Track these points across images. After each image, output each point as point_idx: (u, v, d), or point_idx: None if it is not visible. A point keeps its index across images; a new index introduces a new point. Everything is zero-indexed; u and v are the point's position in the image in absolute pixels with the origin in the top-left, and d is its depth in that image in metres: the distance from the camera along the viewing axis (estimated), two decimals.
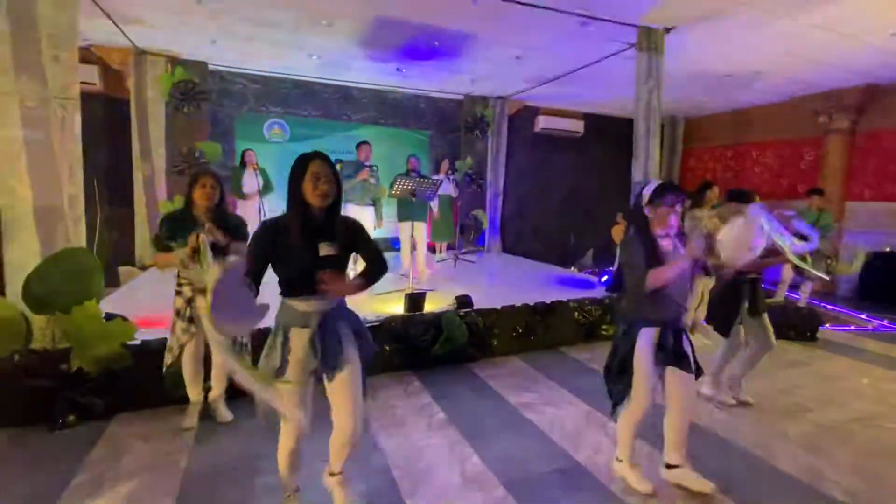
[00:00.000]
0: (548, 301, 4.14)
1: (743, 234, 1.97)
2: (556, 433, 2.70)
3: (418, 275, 5.45)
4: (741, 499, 2.14)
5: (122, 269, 5.85)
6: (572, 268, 7.07)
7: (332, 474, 1.89)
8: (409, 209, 5.29)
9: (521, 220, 8.65)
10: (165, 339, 2.90)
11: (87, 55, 5.56)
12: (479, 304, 3.97)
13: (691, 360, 2.14)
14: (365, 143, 5.17)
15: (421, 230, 5.66)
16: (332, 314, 1.73)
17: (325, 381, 1.76)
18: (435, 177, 6.29)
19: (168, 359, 2.59)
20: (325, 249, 1.65)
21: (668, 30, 4.46)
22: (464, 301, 3.96)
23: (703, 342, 4.28)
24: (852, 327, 5.12)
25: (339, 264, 1.72)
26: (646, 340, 2.08)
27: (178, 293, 2.55)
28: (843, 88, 6.32)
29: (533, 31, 4.68)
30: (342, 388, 1.74)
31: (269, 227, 1.67)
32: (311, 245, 1.64)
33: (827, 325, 4.98)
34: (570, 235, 9.05)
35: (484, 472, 2.30)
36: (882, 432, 2.80)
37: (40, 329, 2.73)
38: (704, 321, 3.33)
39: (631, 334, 2.12)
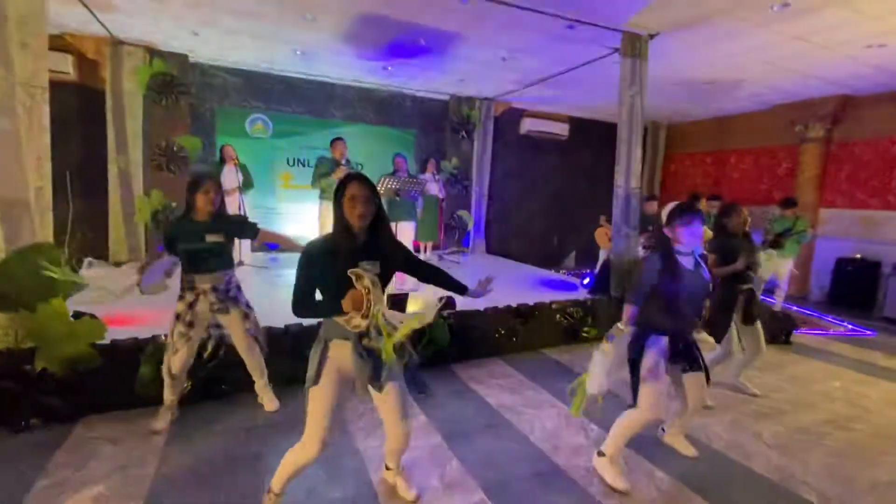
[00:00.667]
0: (530, 303, 4.14)
1: None
2: (535, 435, 2.70)
3: (405, 276, 5.41)
4: (715, 499, 2.17)
5: (90, 261, 5.67)
6: (555, 270, 7.11)
7: (388, 468, 2.15)
8: (394, 209, 5.25)
9: (505, 221, 8.66)
10: (136, 338, 2.83)
11: (61, 43, 5.35)
12: (463, 305, 3.94)
13: (702, 361, 2.30)
14: (339, 139, 5.06)
15: (407, 230, 5.62)
16: (371, 329, 1.71)
17: (373, 393, 1.81)
18: (421, 176, 6.24)
19: (166, 361, 2.57)
20: (365, 267, 1.66)
21: (652, 36, 4.51)
22: (447, 303, 3.93)
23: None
24: (825, 331, 5.26)
25: (382, 281, 1.72)
26: (657, 349, 2.19)
27: (182, 297, 2.53)
28: (819, 98, 6.50)
29: (519, 33, 4.68)
30: (389, 400, 1.82)
31: (314, 251, 1.72)
32: (352, 263, 1.64)
33: (801, 329, 5.11)
34: (553, 237, 9.11)
35: (463, 476, 2.28)
36: (853, 434, 2.88)
37: (3, 328, 2.61)
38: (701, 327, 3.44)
39: (640, 340, 2.22)
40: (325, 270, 1.68)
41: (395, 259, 1.81)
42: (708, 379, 2.36)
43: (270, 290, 4.45)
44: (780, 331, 4.67)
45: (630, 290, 2.22)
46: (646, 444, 2.63)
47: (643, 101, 4.63)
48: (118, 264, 5.46)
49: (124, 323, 3.07)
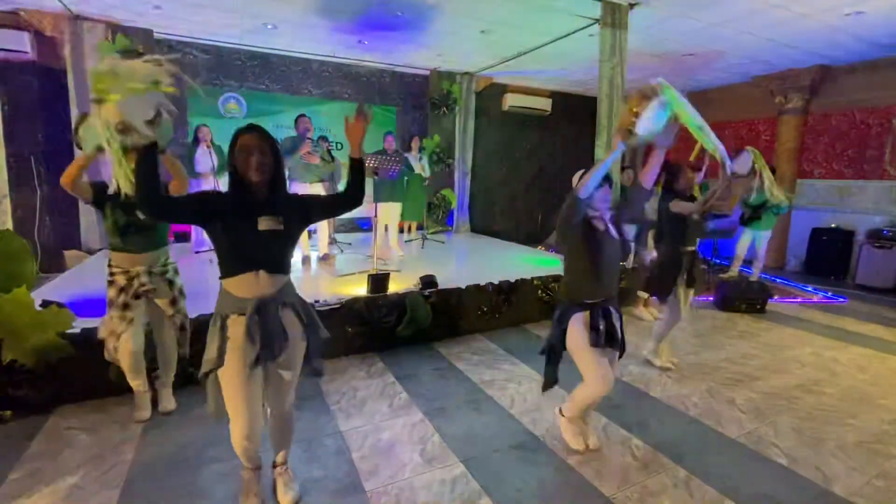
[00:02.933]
0: (512, 279, 4.15)
1: (653, 118, 1.90)
2: (516, 409, 2.74)
3: (392, 255, 5.38)
4: (690, 465, 2.23)
5: (68, 254, 5.51)
6: (539, 247, 7.13)
7: (276, 465, 1.95)
8: (379, 189, 5.16)
9: (489, 199, 8.62)
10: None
11: (16, 20, 5.06)
12: (445, 283, 3.94)
13: (619, 338, 2.22)
14: (302, 115, 4.90)
15: (393, 211, 5.54)
16: (273, 300, 1.64)
17: (267, 367, 1.70)
18: (405, 155, 6.13)
19: (106, 353, 2.42)
20: (265, 223, 1.58)
21: (632, 5, 4.43)
22: (429, 281, 3.92)
23: (647, 318, 4.44)
24: (799, 300, 5.40)
25: (284, 239, 1.65)
26: (578, 324, 2.14)
27: (111, 283, 2.37)
28: (798, 69, 6.51)
29: (498, 4, 4.55)
30: (278, 377, 1.73)
31: (212, 194, 1.65)
32: (251, 218, 1.57)
33: (776, 298, 5.24)
34: (538, 215, 9.11)
35: (444, 451, 2.31)
36: (822, 398, 2.98)
37: None
38: (643, 290, 3.47)
39: (564, 318, 2.19)
40: (219, 224, 1.56)
41: (305, 211, 1.71)
42: (621, 355, 2.28)
43: None
44: (755, 300, 4.77)
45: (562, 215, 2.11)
46: (621, 413, 2.69)
47: (623, 73, 4.58)
48: (90, 252, 5.32)
49: (95, 311, 3.00)
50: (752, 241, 5.81)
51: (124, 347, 2.37)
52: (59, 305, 2.66)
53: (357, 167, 1.73)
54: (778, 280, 6.19)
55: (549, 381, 2.30)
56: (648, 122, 1.88)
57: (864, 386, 3.16)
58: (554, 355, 2.26)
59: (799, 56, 5.98)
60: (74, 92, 5.17)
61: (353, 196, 1.74)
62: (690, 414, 2.73)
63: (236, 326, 1.61)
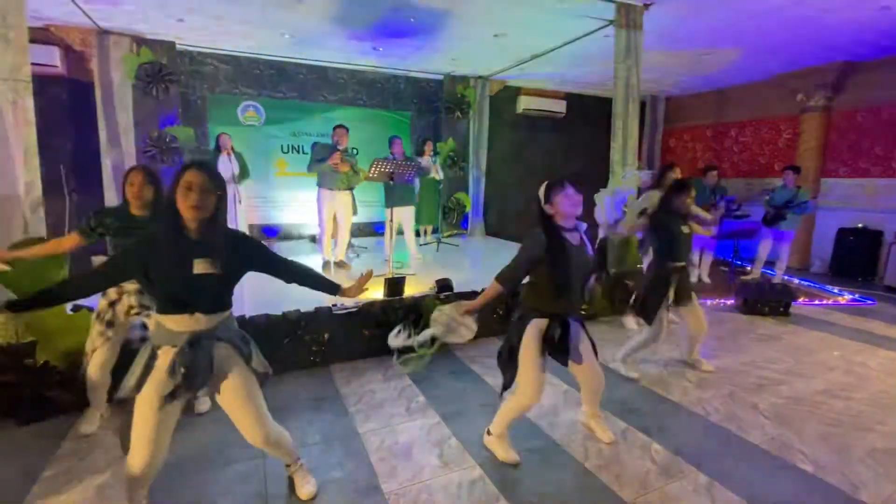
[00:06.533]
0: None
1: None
2: (532, 412, 2.72)
3: (411, 260, 5.41)
4: (711, 470, 2.19)
5: (96, 259, 5.69)
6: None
7: (287, 465, 2.00)
8: (392, 193, 5.20)
9: (504, 202, 8.61)
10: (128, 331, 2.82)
11: (47, 35, 5.28)
12: (460, 287, 3.95)
13: (577, 351, 2.17)
14: (341, 126, 5.01)
15: (406, 215, 5.58)
16: (207, 335, 1.61)
17: (216, 398, 1.70)
18: (419, 159, 6.18)
19: (84, 362, 2.37)
20: (200, 266, 1.53)
21: (647, 5, 4.39)
22: (444, 284, 3.94)
23: (634, 326, 4.25)
24: (825, 302, 5.25)
25: (220, 283, 1.60)
26: (533, 331, 2.10)
27: (103, 294, 2.33)
28: (820, 66, 6.35)
29: (510, 8, 4.56)
30: (233, 402, 1.70)
31: (144, 242, 1.55)
32: (184, 261, 1.52)
33: (800, 300, 5.11)
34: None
35: (461, 454, 2.32)
36: (850, 403, 2.89)
37: (3, 323, 2.63)
38: (630, 309, 3.38)
39: (522, 324, 2.13)
40: (152, 264, 1.51)
41: (246, 259, 1.67)
42: (596, 354, 2.27)
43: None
44: (778, 303, 4.66)
45: (505, 269, 2.10)
46: (640, 417, 2.66)
47: (639, 73, 4.54)
48: None
49: None
50: (774, 242, 5.69)
51: (93, 363, 2.33)
52: (89, 310, 2.76)
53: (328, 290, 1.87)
54: (802, 282, 6.04)
55: (509, 383, 2.22)
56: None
57: (893, 391, 3.06)
58: (512, 358, 2.17)
59: (822, 52, 5.84)
60: (101, 103, 5.36)
61: (297, 282, 1.82)
62: (711, 419, 2.69)
63: (165, 357, 1.58)
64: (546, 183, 2.11)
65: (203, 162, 1.58)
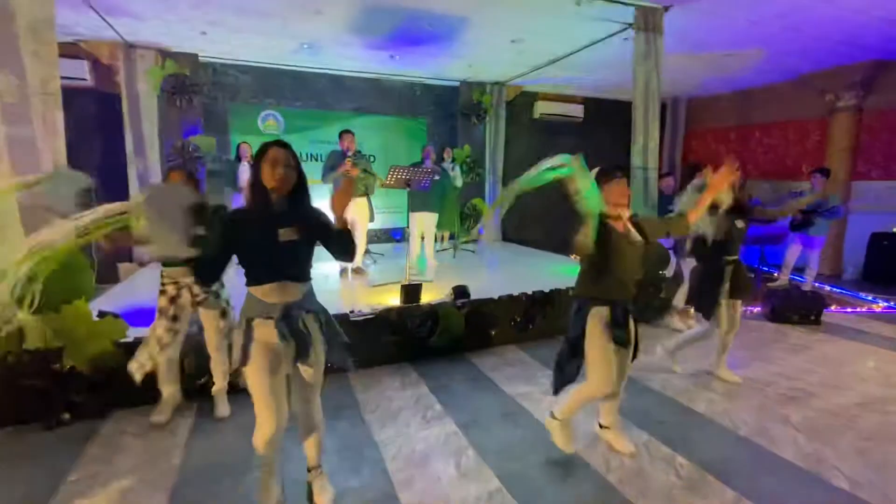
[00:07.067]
0: (546, 290, 4.08)
1: None
2: None
3: (429, 267, 5.40)
4: (740, 486, 2.10)
5: (122, 266, 5.85)
6: (573, 256, 6.99)
7: (310, 468, 1.99)
8: (417, 199, 5.20)
9: (520, 207, 8.51)
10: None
11: (77, 50, 5.48)
12: (477, 294, 3.92)
13: (633, 339, 2.20)
14: (346, 131, 5.04)
15: (428, 220, 5.55)
16: (297, 305, 1.72)
17: (290, 372, 1.78)
18: (443, 165, 6.19)
19: (144, 355, 2.45)
20: (285, 234, 1.64)
21: (667, 8, 4.32)
22: (461, 291, 3.91)
23: (682, 326, 4.21)
24: (858, 310, 5.04)
25: (301, 250, 1.71)
26: (596, 319, 2.12)
27: (163, 292, 2.51)
28: (850, 65, 6.14)
29: (527, 13, 4.55)
30: (303, 382, 1.79)
31: (234, 216, 1.72)
32: (271, 230, 1.63)
33: (832, 308, 4.91)
34: (571, 223, 8.94)
35: (479, 465, 2.28)
36: (888, 417, 2.75)
37: (32, 328, 2.71)
38: (687, 304, 3.34)
39: (582, 314, 2.16)
40: (242, 238, 1.63)
41: (319, 229, 1.74)
42: (634, 356, 2.26)
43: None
44: (808, 311, 4.49)
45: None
46: (664, 429, 2.58)
47: (659, 76, 4.46)
48: (142, 264, 5.63)
49: (146, 321, 3.16)
50: (804, 248, 5.50)
51: (164, 355, 2.49)
52: (115, 316, 2.82)
53: (341, 234, 1.72)
54: (834, 289, 5.81)
55: (569, 380, 2.23)
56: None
57: None
58: (577, 353, 2.18)
59: (851, 51, 5.65)
60: (127, 114, 5.53)
61: (342, 256, 1.78)
62: (740, 432, 2.59)
63: (261, 328, 1.68)
64: (598, 169, 2.16)
65: (282, 140, 1.71)
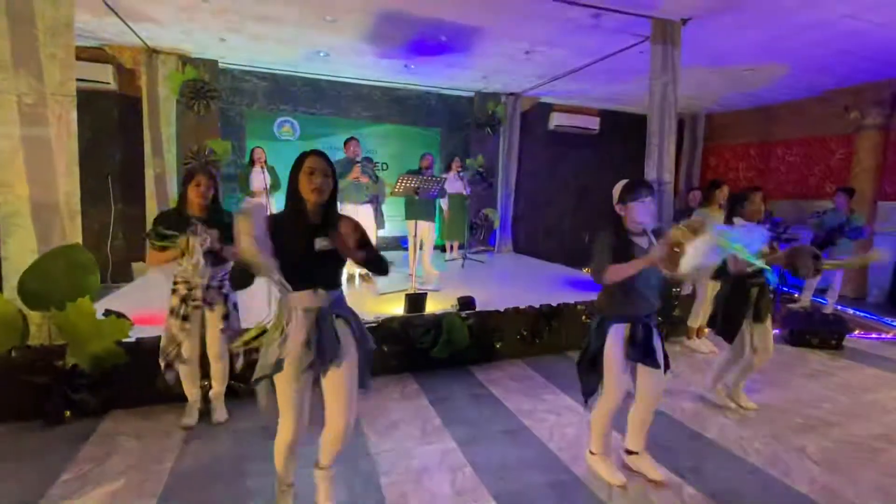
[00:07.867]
0: (554, 304, 4.00)
1: (699, 256, 1.73)
2: (554, 443, 2.58)
3: (425, 276, 5.36)
4: None
5: (136, 265, 5.94)
6: (585, 269, 6.87)
7: (320, 467, 1.90)
8: (414, 208, 5.19)
9: (533, 219, 8.48)
10: (160, 336, 2.89)
11: (101, 55, 5.64)
12: (484, 305, 3.86)
13: (659, 354, 2.14)
14: (351, 138, 5.07)
15: (427, 230, 5.55)
16: (330, 310, 1.73)
17: (321, 377, 1.76)
18: (444, 175, 6.17)
19: (163, 360, 2.55)
20: (320, 244, 1.65)
21: (684, 21, 4.26)
22: (466, 302, 3.85)
23: (702, 350, 4.10)
24: (883, 335, 4.82)
25: (336, 259, 1.73)
26: (616, 336, 2.11)
27: (174, 291, 2.53)
28: (876, 83, 5.97)
29: (541, 25, 4.53)
30: (337, 385, 1.75)
31: (269, 221, 1.69)
32: (307, 239, 1.65)
33: (855, 333, 4.71)
34: (584, 235, 8.83)
35: (475, 484, 2.20)
36: None
37: (37, 325, 2.74)
38: (708, 326, 3.22)
39: (602, 329, 2.15)
40: (278, 246, 1.59)
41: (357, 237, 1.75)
42: (667, 368, 2.19)
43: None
44: (829, 334, 4.31)
45: (593, 267, 2.09)
46: (672, 455, 2.47)
47: (676, 90, 4.38)
48: None
49: (154, 321, 3.17)
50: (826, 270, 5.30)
51: (183, 352, 2.52)
52: (119, 315, 2.84)
53: (366, 262, 1.77)
54: (857, 312, 5.58)
55: (593, 389, 2.22)
56: (695, 260, 1.71)
57: None
58: (596, 366, 2.18)
59: (877, 68, 5.49)
60: (147, 117, 5.64)
61: (379, 273, 1.84)
62: (752, 461, 2.46)
63: (295, 333, 1.68)
64: (625, 183, 2.12)
65: (320, 150, 1.71)
